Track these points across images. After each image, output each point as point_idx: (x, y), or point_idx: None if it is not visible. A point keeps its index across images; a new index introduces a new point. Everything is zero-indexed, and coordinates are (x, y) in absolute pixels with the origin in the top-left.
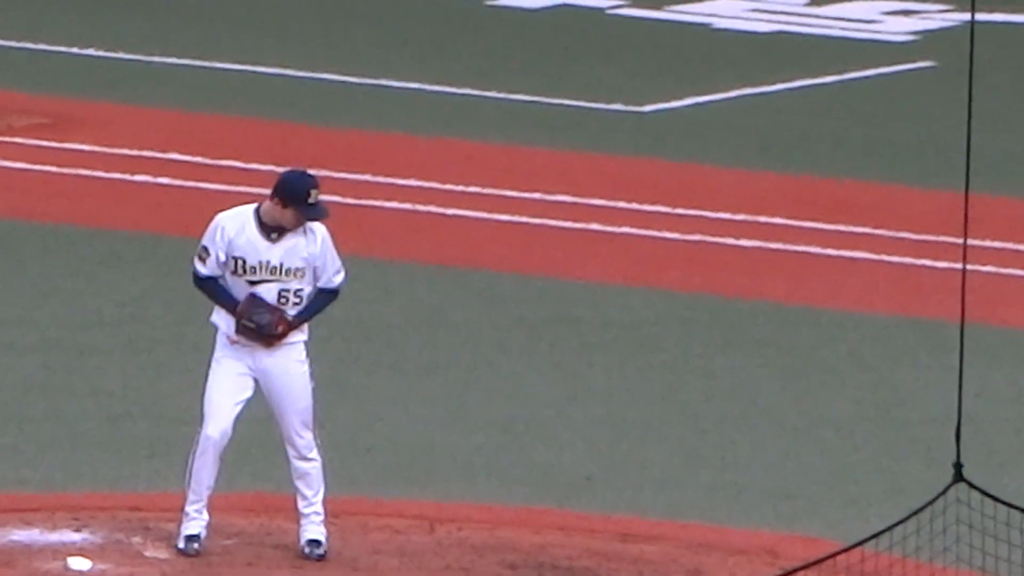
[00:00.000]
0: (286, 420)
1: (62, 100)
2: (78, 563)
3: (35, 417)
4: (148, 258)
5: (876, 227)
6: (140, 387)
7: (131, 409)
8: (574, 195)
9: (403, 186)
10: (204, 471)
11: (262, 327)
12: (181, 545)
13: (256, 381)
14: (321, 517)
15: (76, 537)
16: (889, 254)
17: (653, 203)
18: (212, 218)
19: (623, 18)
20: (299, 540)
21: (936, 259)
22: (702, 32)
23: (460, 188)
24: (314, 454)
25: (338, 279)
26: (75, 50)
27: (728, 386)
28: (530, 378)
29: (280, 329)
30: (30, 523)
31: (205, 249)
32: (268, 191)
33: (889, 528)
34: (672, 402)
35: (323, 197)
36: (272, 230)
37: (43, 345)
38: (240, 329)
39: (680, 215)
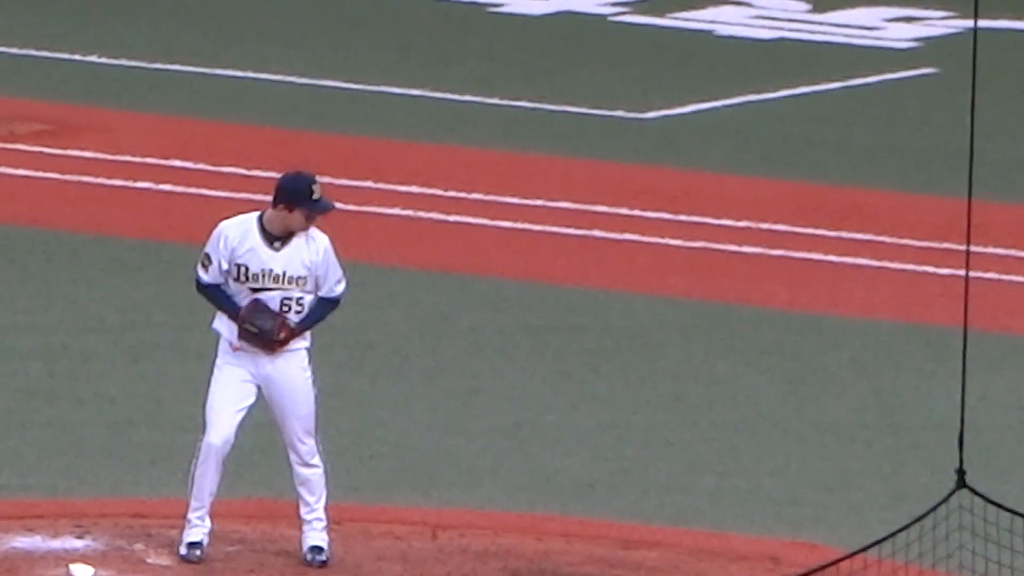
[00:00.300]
0: (288, 426)
1: (65, 107)
2: (80, 570)
3: (37, 423)
4: (151, 265)
5: (879, 234)
6: (142, 393)
7: (133, 416)
8: (577, 202)
9: (406, 193)
10: (206, 478)
11: (265, 332)
12: (183, 552)
13: (258, 388)
14: (323, 523)
15: (78, 544)
16: (892, 260)
17: (656, 210)
18: (215, 226)
19: (625, 25)
20: (301, 547)
21: (939, 266)
22: (704, 39)
23: (463, 195)
24: (316, 460)
25: (339, 288)
26: (78, 57)
27: (731, 392)
28: (532, 384)
29: (282, 335)
30: (32, 530)
31: (208, 257)
32: (271, 198)
33: (892, 534)
34: (675, 408)
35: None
36: (275, 238)
37: (45, 351)
38: (243, 334)
39: (683, 222)
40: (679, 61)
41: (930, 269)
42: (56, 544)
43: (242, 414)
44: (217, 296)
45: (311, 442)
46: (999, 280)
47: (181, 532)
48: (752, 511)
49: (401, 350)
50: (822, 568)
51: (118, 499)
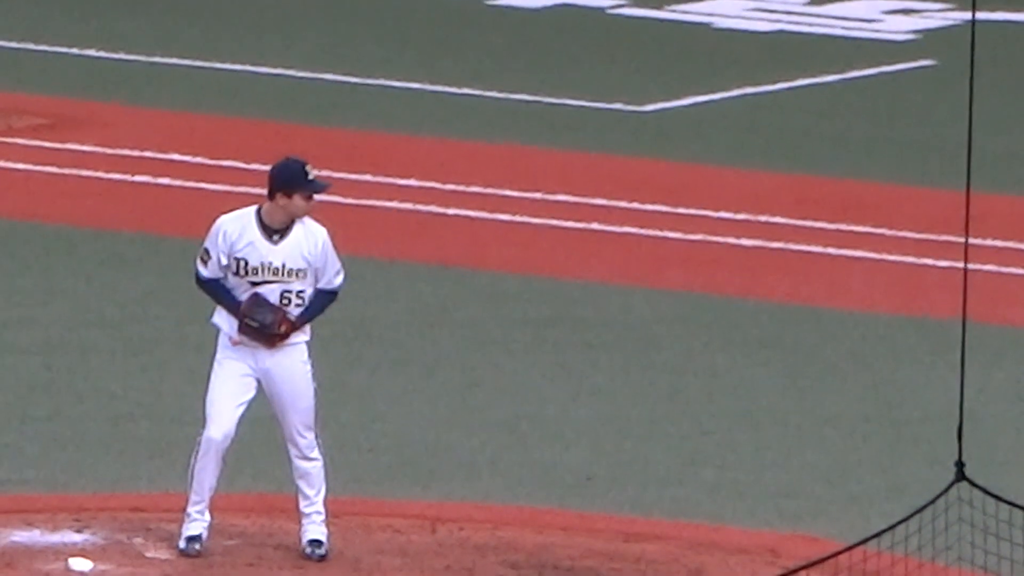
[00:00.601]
0: (288, 420)
1: (63, 101)
2: (79, 564)
3: (37, 417)
4: (149, 258)
5: (877, 226)
6: (142, 387)
7: (133, 410)
8: (575, 194)
9: (404, 186)
10: (206, 472)
11: (265, 326)
12: (182, 546)
13: (258, 382)
14: (323, 517)
15: (77, 538)
16: (890, 253)
17: (654, 202)
18: (214, 220)
19: (624, 18)
20: (300, 540)
21: (937, 258)
22: (703, 31)
23: (462, 188)
24: (316, 454)
25: (338, 280)
26: (75, 51)
27: (730, 385)
28: (532, 377)
29: (283, 328)
30: (31, 523)
31: (207, 251)
32: (266, 192)
33: (891, 527)
34: (674, 401)
35: (325, 197)
36: (274, 231)
37: (45, 346)
38: (243, 328)
39: (681, 214)
40: (677, 54)
41: (929, 261)
42: (55, 538)
43: (242, 408)
44: (217, 291)
45: (311, 436)
46: (998, 272)
47: (180, 526)
48: (751, 504)
49: (400, 343)
50: (821, 560)
51: (117, 493)
